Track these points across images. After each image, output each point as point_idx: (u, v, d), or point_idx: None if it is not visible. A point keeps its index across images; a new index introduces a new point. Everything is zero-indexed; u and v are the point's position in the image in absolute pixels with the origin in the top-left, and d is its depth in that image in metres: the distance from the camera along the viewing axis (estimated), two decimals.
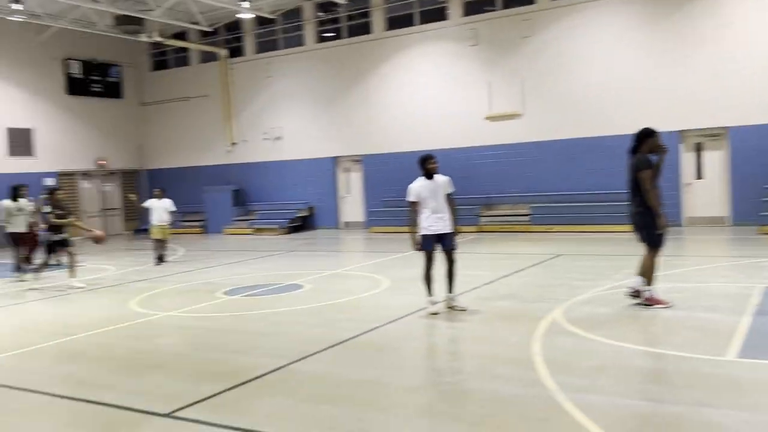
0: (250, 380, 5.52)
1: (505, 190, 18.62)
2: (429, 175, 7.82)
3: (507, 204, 18.68)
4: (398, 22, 20.33)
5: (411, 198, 7.81)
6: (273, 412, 4.78)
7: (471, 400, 4.91)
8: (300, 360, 6.08)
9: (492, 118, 18.71)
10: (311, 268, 12.51)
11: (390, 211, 19.33)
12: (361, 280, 10.97)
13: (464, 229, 18.13)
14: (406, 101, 19.99)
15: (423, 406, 4.80)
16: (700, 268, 10.35)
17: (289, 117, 22.39)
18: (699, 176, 16.50)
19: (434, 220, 7.71)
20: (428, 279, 7.82)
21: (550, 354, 5.92)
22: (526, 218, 17.81)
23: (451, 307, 7.84)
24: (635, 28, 16.87)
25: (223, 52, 23.37)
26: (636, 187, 7.64)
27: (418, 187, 7.81)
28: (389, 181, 19.62)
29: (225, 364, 6.13)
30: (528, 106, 18.25)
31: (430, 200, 7.74)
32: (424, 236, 7.75)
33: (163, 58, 25.38)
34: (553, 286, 9.28)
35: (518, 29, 18.14)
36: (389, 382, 5.37)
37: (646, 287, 7.58)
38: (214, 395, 5.16)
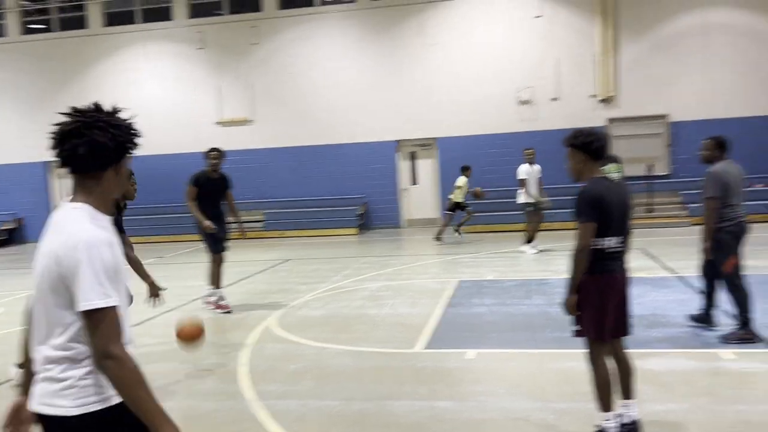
0: None
1: (239, 197, 18.33)
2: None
3: (241, 210, 18.45)
4: (118, 18, 19.00)
5: None
6: None
7: None
8: None
9: (223, 124, 18.40)
10: (9, 289, 11.02)
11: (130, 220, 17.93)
12: None
13: (195, 237, 17.61)
14: (130, 103, 18.66)
15: None
16: (410, 266, 11.25)
17: None
18: (414, 182, 18.04)
19: None
20: None
21: (256, 363, 5.90)
22: (260, 224, 17.82)
23: None
24: (358, 42, 17.87)
25: None
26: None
27: None
28: None
29: None
30: (259, 113, 18.30)
31: None
32: None
33: None
34: (274, 292, 9.34)
35: (246, 35, 18.09)
36: None
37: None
38: None
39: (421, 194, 17.99)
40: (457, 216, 14.54)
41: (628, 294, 3.93)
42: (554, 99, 16.71)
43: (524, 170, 11.96)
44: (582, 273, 3.75)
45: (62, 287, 1.98)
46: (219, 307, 8.13)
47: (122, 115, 2.12)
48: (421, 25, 17.45)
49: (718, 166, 5.82)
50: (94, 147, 2.02)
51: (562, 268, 10.09)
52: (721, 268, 5.81)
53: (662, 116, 16.26)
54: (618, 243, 3.80)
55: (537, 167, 12.02)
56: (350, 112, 17.82)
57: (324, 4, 18.19)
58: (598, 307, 3.77)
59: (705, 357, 5.49)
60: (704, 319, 6.28)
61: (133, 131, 2.13)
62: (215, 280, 8.25)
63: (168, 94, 18.55)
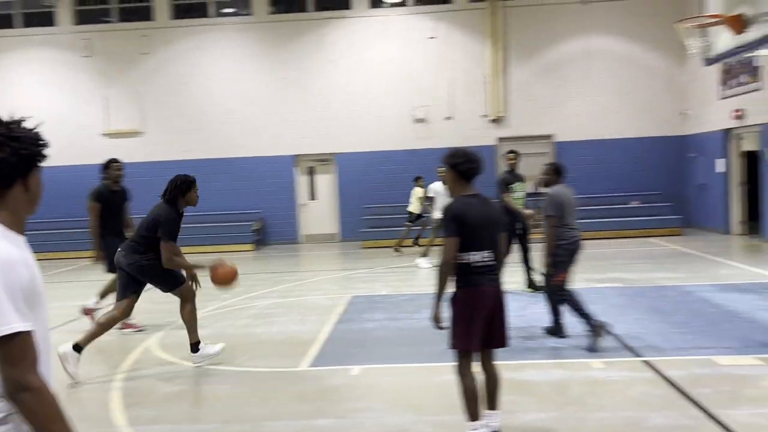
0: None
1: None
2: None
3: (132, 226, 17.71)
4: None
5: None
6: None
7: None
8: None
9: (110, 135, 17.60)
10: None
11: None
12: None
13: (76, 255, 16.69)
14: (9, 112, 17.56)
15: None
16: (304, 283, 11.14)
17: None
18: (313, 197, 17.97)
19: None
20: None
21: (131, 386, 5.62)
22: None
23: None
24: (255, 55, 17.64)
25: None
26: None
27: None
28: None
29: None
30: (149, 125, 17.65)
31: None
32: None
33: None
34: (157, 312, 8.93)
35: (136, 45, 17.44)
36: None
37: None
38: None
39: (319, 210, 17.92)
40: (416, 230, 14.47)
41: (502, 307, 4.05)
42: (448, 118, 17.16)
43: (434, 188, 12.35)
44: (445, 286, 3.92)
45: None
46: (128, 326, 7.66)
47: (25, 125, 1.94)
48: (320, 40, 17.48)
49: (556, 189, 6.45)
50: None
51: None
52: (551, 279, 6.35)
53: (548, 136, 17.07)
54: (484, 257, 3.92)
55: None
56: (247, 126, 17.55)
57: (219, 15, 17.89)
58: (467, 319, 3.91)
59: (577, 367, 5.75)
60: (556, 330, 6.65)
61: (39, 142, 1.95)
62: (104, 294, 7.84)
63: (51, 103, 17.53)
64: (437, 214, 12.08)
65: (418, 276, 11.30)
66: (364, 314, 8.18)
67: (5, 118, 1.95)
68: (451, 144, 16.88)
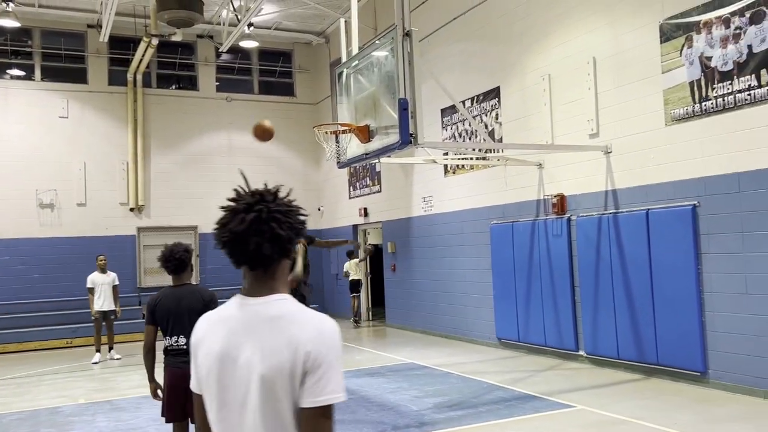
0: None
1: None
2: None
3: None
4: None
5: None
6: None
7: None
8: None
9: None
10: None
11: None
12: None
13: None
14: None
15: None
16: None
17: None
18: None
19: None
20: None
21: None
22: None
23: None
24: None
25: None
26: None
27: None
28: None
29: None
30: None
31: None
32: None
33: None
34: None
35: None
36: None
37: None
38: None
39: None
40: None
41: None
42: (81, 204, 15.62)
43: (91, 278, 11.77)
44: (149, 367, 4.50)
45: (291, 389, 1.68)
46: None
47: (282, 195, 1.97)
48: None
49: None
50: (276, 242, 1.81)
51: (81, 391, 8.99)
52: None
53: (193, 227, 16.72)
54: (178, 342, 4.40)
55: (112, 275, 11.92)
56: None
57: None
58: (166, 394, 4.48)
59: None
60: None
61: (302, 214, 1.94)
62: None
63: None
64: (98, 304, 11.70)
65: (42, 385, 9.61)
66: None
67: (268, 190, 1.97)
68: (84, 233, 15.35)
